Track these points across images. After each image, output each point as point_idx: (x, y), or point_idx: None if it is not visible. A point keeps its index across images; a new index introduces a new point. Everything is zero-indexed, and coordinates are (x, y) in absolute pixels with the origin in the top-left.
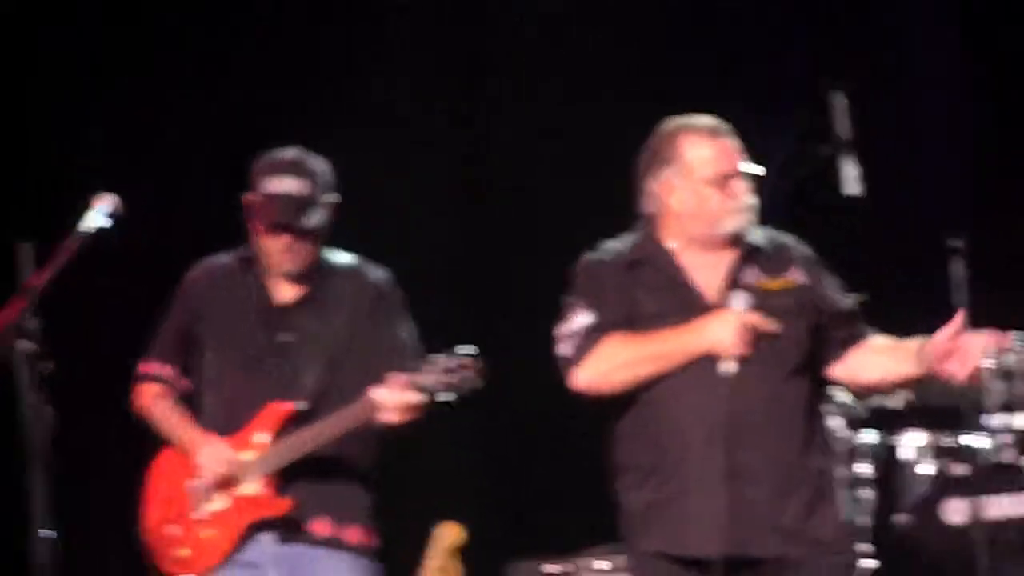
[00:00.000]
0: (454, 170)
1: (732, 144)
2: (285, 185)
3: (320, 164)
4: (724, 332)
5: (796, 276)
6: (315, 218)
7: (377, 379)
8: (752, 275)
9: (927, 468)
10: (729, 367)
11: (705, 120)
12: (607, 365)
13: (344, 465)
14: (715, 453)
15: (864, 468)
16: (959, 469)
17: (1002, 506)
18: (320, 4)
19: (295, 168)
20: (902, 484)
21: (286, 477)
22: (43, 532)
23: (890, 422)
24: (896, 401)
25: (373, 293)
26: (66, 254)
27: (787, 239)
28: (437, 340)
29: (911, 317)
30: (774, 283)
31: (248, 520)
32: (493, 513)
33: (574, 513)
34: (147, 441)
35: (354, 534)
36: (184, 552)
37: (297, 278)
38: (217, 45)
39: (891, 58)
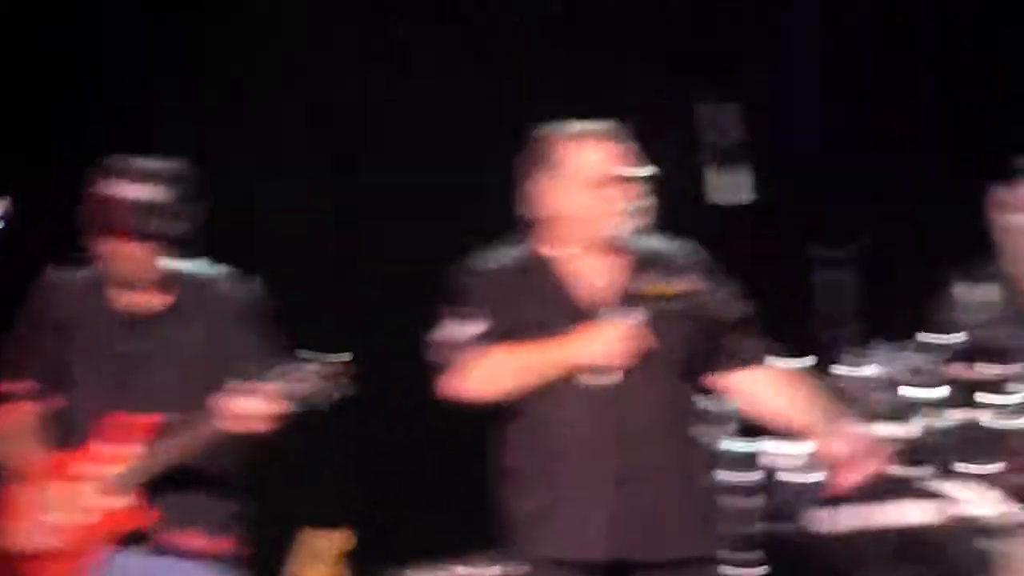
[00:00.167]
0: (326, 176)
1: (615, 148)
2: (132, 191)
3: (177, 170)
4: (604, 344)
5: (686, 282)
6: (162, 224)
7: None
8: (640, 281)
9: (809, 477)
10: (608, 378)
11: (586, 124)
12: (488, 374)
13: (208, 475)
14: (600, 459)
15: (745, 476)
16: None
17: (883, 515)
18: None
19: (143, 174)
20: (783, 493)
21: (151, 490)
22: None
23: (772, 430)
24: None
25: (234, 303)
26: None
27: (679, 245)
28: (313, 347)
29: (794, 325)
30: (661, 290)
31: (113, 534)
32: (363, 521)
33: (445, 521)
34: None
35: (221, 544)
36: (53, 568)
37: (157, 287)
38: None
39: (767, 66)
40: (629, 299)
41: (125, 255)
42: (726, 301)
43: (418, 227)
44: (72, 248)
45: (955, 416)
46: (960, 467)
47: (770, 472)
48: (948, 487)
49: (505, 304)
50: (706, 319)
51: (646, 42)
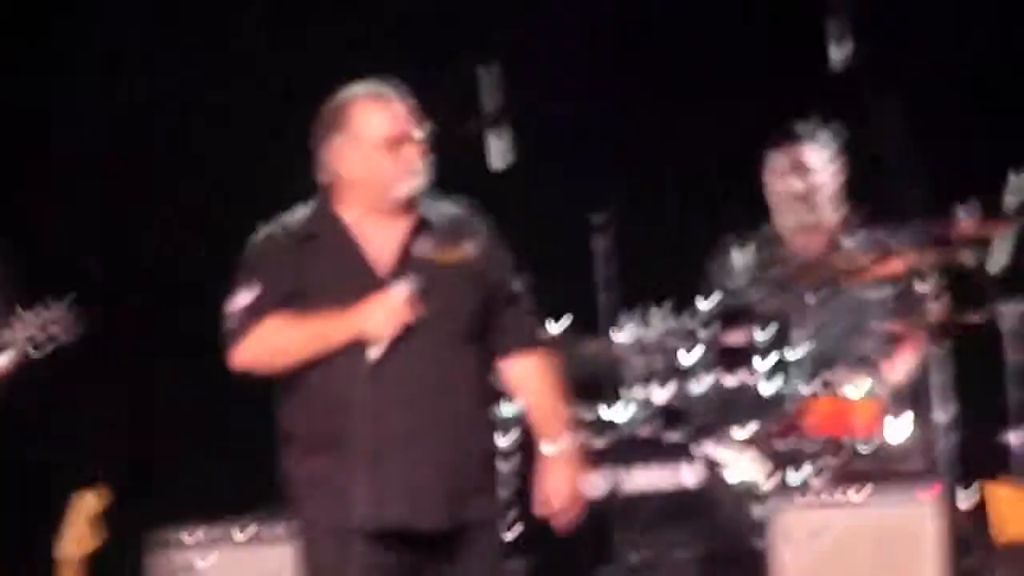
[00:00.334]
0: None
1: (403, 108)
2: None
3: None
4: (378, 317)
5: (469, 249)
6: None
7: None
8: (426, 246)
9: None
10: (385, 348)
11: (374, 86)
12: (265, 347)
13: None
14: (376, 427)
15: (504, 440)
16: (598, 442)
17: (640, 479)
18: None
19: None
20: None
21: None
22: None
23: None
24: None
25: None
26: None
27: (464, 210)
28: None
29: (557, 290)
30: (447, 255)
31: None
32: (135, 479)
33: (219, 481)
34: None
35: None
36: None
37: None
38: None
39: (538, 33)
40: (415, 263)
41: None
42: (506, 271)
43: (214, 192)
44: None
45: (716, 380)
46: (722, 430)
47: (528, 436)
48: (711, 450)
49: (290, 271)
50: (486, 286)
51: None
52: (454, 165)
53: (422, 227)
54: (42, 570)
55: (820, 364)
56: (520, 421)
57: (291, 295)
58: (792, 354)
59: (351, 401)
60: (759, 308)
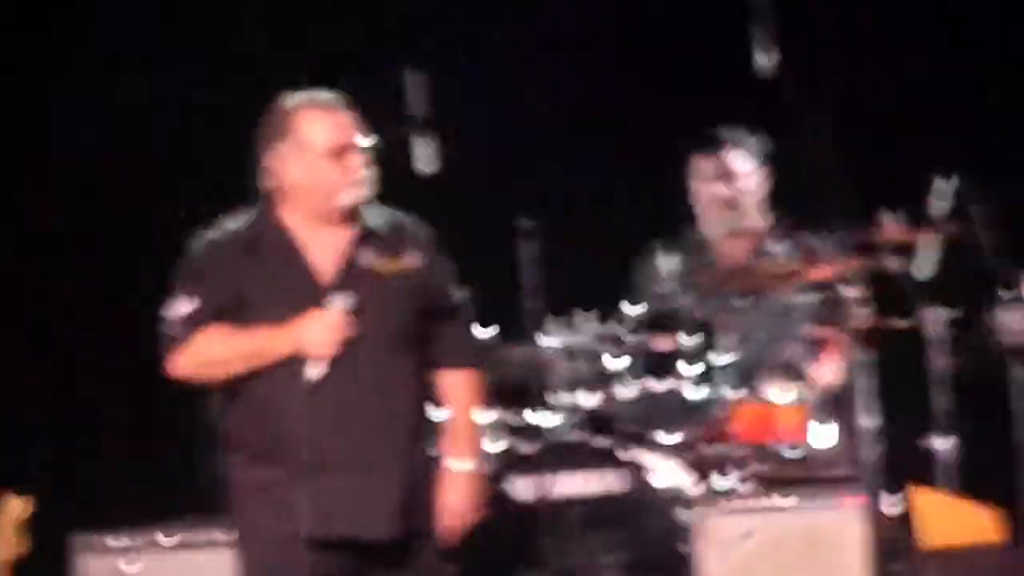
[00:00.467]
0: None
1: (347, 117)
2: None
3: None
4: (318, 332)
5: (411, 260)
6: None
7: None
8: (368, 256)
9: (495, 446)
10: (317, 368)
11: (320, 94)
12: (203, 357)
13: None
14: (319, 440)
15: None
16: (526, 447)
17: (567, 485)
18: None
19: None
20: None
21: None
22: None
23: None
24: None
25: None
26: None
27: (406, 219)
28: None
29: (483, 296)
30: (389, 266)
31: None
32: (60, 484)
33: (145, 485)
34: None
35: None
36: None
37: None
38: None
39: (464, 39)
40: (357, 273)
41: None
42: (447, 281)
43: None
44: None
45: (643, 386)
46: (649, 436)
47: None
48: (638, 456)
49: (230, 279)
50: (427, 297)
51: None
52: (381, 170)
53: (365, 237)
54: None
55: (746, 370)
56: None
57: (231, 303)
58: (718, 360)
59: (290, 414)
60: (685, 314)
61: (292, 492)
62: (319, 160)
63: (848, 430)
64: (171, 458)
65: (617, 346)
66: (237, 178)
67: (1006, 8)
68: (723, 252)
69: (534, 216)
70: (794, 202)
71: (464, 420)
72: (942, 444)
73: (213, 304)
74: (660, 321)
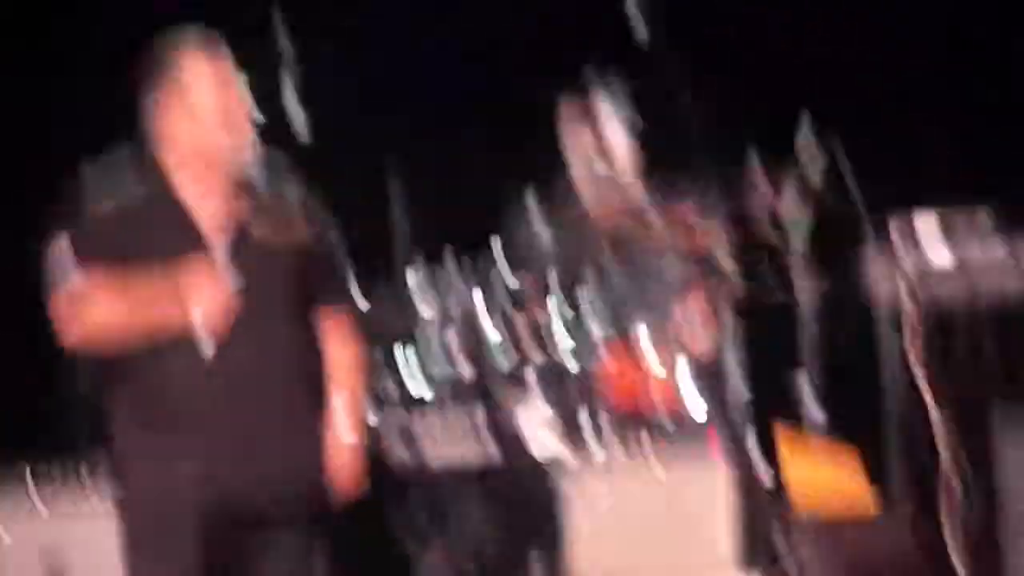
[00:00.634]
0: None
1: (233, 72)
2: None
3: None
4: (205, 303)
5: (295, 223)
6: None
7: None
8: (251, 222)
9: (371, 417)
10: (206, 338)
11: (205, 43)
12: (92, 324)
13: None
14: (208, 409)
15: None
16: (401, 417)
17: (442, 453)
18: None
19: None
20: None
21: None
22: None
23: None
24: None
25: None
26: None
27: (290, 181)
28: None
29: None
30: (273, 230)
31: None
32: None
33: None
34: None
35: None
36: None
37: None
38: None
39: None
40: (245, 236)
41: None
42: (329, 238)
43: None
44: None
45: (518, 352)
46: (524, 404)
47: None
48: (513, 424)
49: (120, 242)
50: (312, 256)
51: None
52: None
53: (250, 200)
54: None
55: (616, 328)
56: None
57: (120, 268)
58: (588, 317)
59: (181, 385)
60: (555, 266)
61: (180, 461)
62: (205, 120)
63: (719, 397)
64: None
65: (485, 285)
66: None
67: None
68: (592, 202)
69: (405, 155)
70: (663, 156)
71: (344, 363)
72: (812, 414)
73: (102, 269)
74: (534, 288)
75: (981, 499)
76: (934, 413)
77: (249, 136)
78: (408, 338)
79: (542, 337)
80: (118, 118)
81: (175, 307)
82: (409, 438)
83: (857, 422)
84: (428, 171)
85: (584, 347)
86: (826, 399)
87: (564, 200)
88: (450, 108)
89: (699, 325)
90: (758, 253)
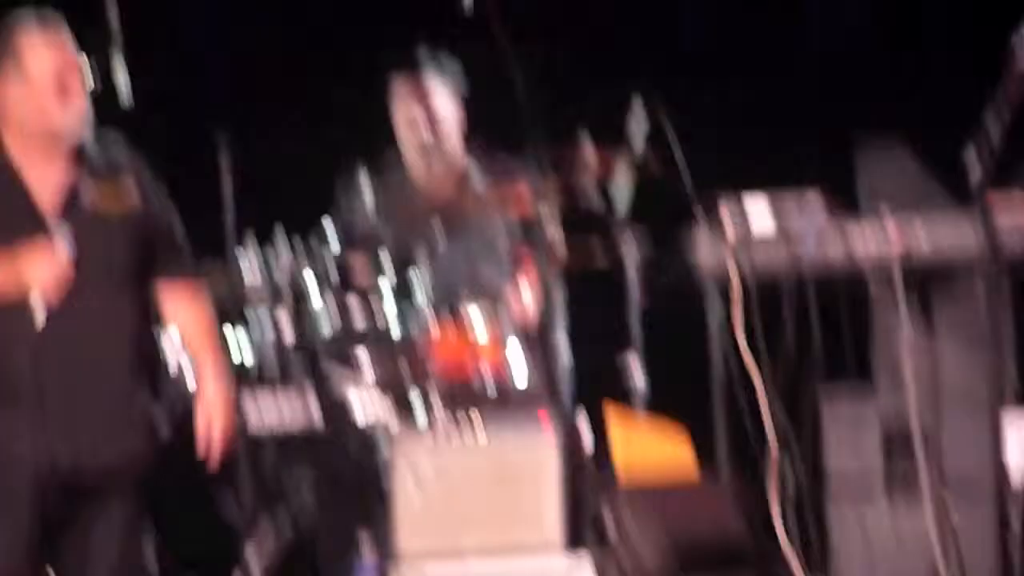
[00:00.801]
0: None
1: (70, 46)
2: None
3: None
4: (38, 271)
5: (131, 196)
6: None
7: None
8: (88, 193)
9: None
10: (39, 307)
11: (42, 20)
12: None
13: None
14: (41, 379)
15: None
16: None
17: (266, 418)
18: None
19: None
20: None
21: None
22: None
23: None
24: None
25: None
26: None
27: (125, 153)
28: None
29: (182, 209)
30: (109, 202)
31: None
32: None
33: None
34: None
35: None
36: None
37: None
38: None
39: None
40: (78, 212)
41: None
42: (165, 210)
43: None
44: None
45: (343, 319)
46: (349, 370)
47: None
48: (337, 389)
49: None
50: (148, 228)
51: None
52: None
53: (86, 170)
54: None
55: (445, 301)
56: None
57: None
58: (418, 291)
59: (15, 352)
60: (385, 241)
61: (13, 431)
62: (39, 89)
63: (545, 364)
64: None
65: (316, 265)
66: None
67: None
68: (421, 176)
69: (231, 129)
70: (492, 128)
71: (198, 335)
72: (638, 379)
73: None
74: (358, 245)
75: (804, 467)
76: (759, 384)
77: (85, 109)
78: (237, 314)
79: (371, 311)
80: None
81: (9, 277)
82: (237, 411)
83: (683, 394)
84: (260, 147)
85: (413, 319)
86: (652, 372)
87: (394, 175)
88: (282, 83)
89: (528, 296)
90: (584, 217)
